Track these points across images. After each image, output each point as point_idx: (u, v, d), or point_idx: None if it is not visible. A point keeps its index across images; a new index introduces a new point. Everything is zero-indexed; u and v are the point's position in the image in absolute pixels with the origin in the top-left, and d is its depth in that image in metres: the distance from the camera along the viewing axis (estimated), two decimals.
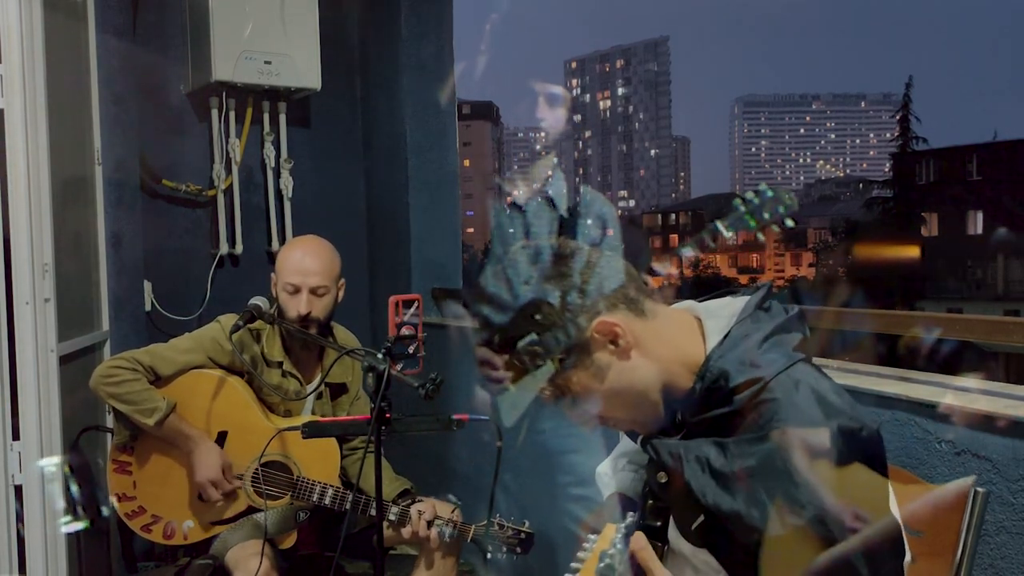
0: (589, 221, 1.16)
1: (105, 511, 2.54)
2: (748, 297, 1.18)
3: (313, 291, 2.25)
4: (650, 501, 1.23)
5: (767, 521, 1.00)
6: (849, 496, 0.98)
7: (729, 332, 1.12)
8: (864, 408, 1.75)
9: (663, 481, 1.16)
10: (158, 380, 2.24)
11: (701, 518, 1.10)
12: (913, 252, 29.45)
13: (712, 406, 1.08)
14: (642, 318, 1.11)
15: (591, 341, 1.08)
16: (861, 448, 1.01)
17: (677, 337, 1.14)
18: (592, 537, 0.96)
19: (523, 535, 2.17)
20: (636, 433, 1.31)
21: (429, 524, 2.22)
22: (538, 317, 1.06)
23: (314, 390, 2.37)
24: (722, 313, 1.16)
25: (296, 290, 2.25)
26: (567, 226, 1.16)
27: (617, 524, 0.94)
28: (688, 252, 1.31)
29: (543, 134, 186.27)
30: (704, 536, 1.11)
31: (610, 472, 1.47)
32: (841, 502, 0.98)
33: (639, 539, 1.03)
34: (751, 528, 1.01)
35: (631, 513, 1.00)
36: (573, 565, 0.92)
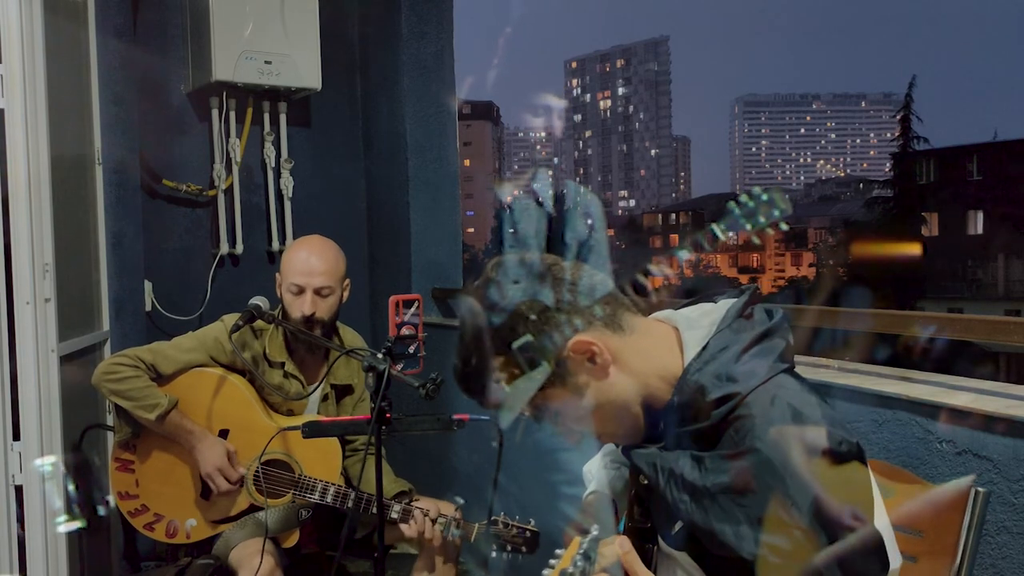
0: (577, 217, 1.16)
1: (106, 510, 2.54)
2: (730, 303, 1.16)
3: (318, 292, 2.25)
4: (635, 505, 1.23)
5: (739, 537, 1.00)
6: (826, 511, 0.97)
7: (708, 343, 1.10)
8: (864, 408, 1.76)
9: (645, 483, 1.16)
10: (159, 378, 2.24)
11: (679, 523, 1.10)
12: (914, 251, 29.41)
13: (689, 420, 1.07)
14: (619, 333, 1.10)
15: (568, 360, 1.08)
16: (838, 465, 1.00)
17: (655, 350, 1.13)
18: (559, 552, 0.97)
19: (528, 534, 2.16)
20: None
21: (433, 521, 2.21)
22: (513, 338, 1.06)
23: (314, 389, 2.37)
24: (701, 323, 1.14)
25: (300, 291, 2.25)
26: (555, 224, 1.17)
27: (580, 540, 0.94)
28: (684, 255, 1.31)
29: (542, 134, 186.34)
30: (683, 541, 1.11)
31: (594, 470, 1.48)
32: (818, 516, 0.97)
33: (624, 543, 1.03)
34: (722, 543, 1.01)
35: (595, 527, 1.00)
36: None
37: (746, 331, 1.11)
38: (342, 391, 2.41)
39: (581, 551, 0.92)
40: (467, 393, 1.13)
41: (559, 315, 1.07)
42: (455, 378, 1.14)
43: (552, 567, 0.93)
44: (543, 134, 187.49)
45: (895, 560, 1.05)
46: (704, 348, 1.10)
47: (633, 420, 1.12)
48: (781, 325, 1.13)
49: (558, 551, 0.97)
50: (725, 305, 1.16)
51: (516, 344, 1.07)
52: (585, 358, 1.08)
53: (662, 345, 1.14)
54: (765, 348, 1.09)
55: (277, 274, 2.33)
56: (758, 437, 1.00)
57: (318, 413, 2.37)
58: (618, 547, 1.03)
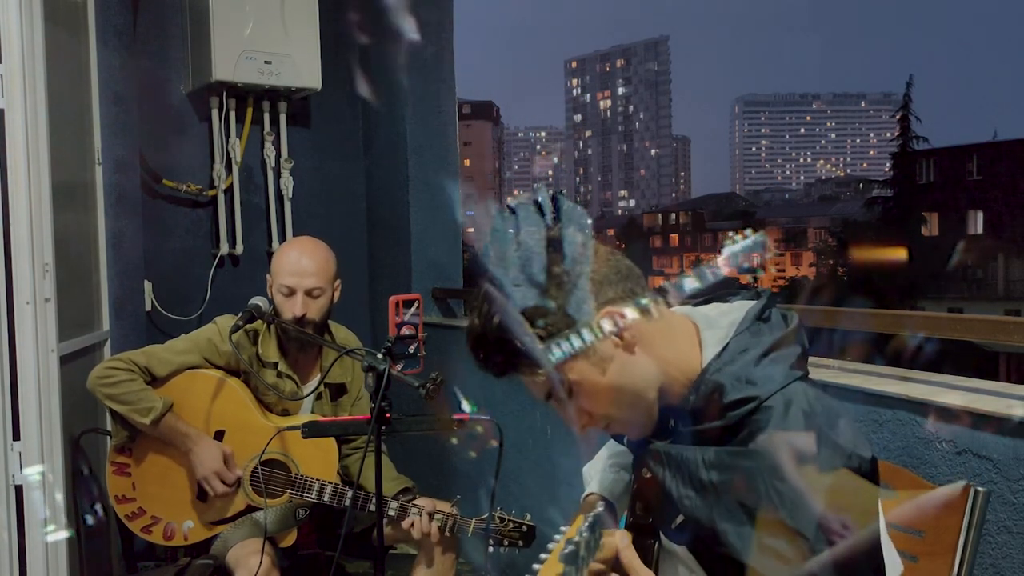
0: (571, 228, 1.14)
1: (102, 514, 2.54)
2: (748, 305, 1.16)
3: (308, 293, 2.25)
4: (638, 501, 1.23)
5: (741, 538, 1.00)
6: (830, 520, 0.97)
7: (727, 344, 1.10)
8: (865, 408, 1.76)
9: (647, 477, 1.16)
10: (154, 381, 2.24)
11: (680, 518, 1.10)
12: (908, 252, 29.41)
13: (704, 419, 1.07)
14: (646, 316, 1.10)
15: (597, 329, 1.06)
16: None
17: (678, 342, 1.13)
18: (564, 529, 0.97)
19: (525, 528, 2.16)
20: (621, 435, 1.30)
21: (429, 517, 2.21)
22: (546, 303, 1.04)
23: (314, 389, 2.37)
24: (720, 322, 1.14)
25: (291, 292, 2.25)
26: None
27: (585, 516, 0.95)
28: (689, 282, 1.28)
29: (542, 134, 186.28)
30: (685, 536, 1.10)
31: (594, 471, 1.48)
32: (821, 525, 0.97)
33: (623, 538, 1.03)
34: (724, 543, 1.01)
35: (601, 502, 1.00)
36: (542, 556, 0.93)
37: (764, 335, 1.11)
38: (336, 390, 2.41)
39: (587, 523, 0.93)
40: (483, 358, 1.08)
41: (593, 284, 1.06)
42: (470, 343, 1.09)
43: (556, 540, 0.94)
44: (543, 134, 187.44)
45: (896, 568, 1.06)
46: (724, 349, 1.10)
47: (647, 408, 1.12)
48: (798, 331, 1.13)
49: (563, 527, 0.98)
50: (743, 307, 1.16)
51: (547, 307, 1.03)
52: (614, 331, 1.07)
53: (683, 338, 1.14)
54: (782, 354, 1.09)
55: (268, 275, 2.34)
56: (770, 441, 1.00)
57: (312, 412, 2.37)
58: (617, 540, 1.03)
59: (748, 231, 1.12)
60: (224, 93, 3.39)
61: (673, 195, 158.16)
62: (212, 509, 2.27)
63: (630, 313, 1.07)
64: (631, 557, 1.02)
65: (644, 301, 1.09)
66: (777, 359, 1.08)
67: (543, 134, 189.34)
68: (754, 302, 1.16)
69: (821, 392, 1.09)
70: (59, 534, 2.20)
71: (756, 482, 0.99)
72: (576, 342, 1.05)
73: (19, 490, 2.16)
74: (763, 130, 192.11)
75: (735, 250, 1.08)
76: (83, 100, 2.70)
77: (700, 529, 1.04)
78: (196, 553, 2.28)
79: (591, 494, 1.43)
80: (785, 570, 0.97)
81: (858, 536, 0.98)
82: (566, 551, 0.88)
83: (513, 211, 1.10)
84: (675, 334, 1.14)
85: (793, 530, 0.96)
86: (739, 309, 1.16)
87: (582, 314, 1.05)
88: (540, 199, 1.09)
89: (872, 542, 1.00)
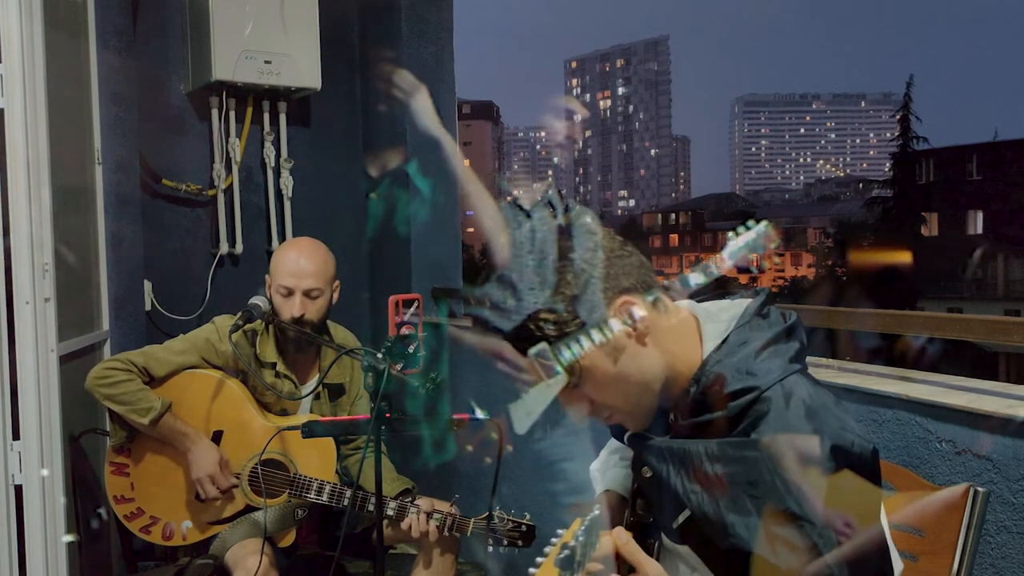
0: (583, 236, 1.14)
1: (104, 512, 2.54)
2: (747, 301, 1.17)
3: (307, 293, 2.25)
4: (638, 499, 1.23)
5: (747, 528, 1.00)
6: (834, 510, 0.98)
7: (727, 338, 1.12)
8: (865, 407, 1.76)
9: (647, 476, 1.16)
10: (152, 381, 2.24)
11: (683, 516, 1.10)
12: (908, 253, 29.39)
13: (704, 410, 1.08)
14: (657, 309, 1.11)
15: (613, 318, 1.07)
16: (850, 465, 1.00)
17: (682, 335, 1.14)
18: (560, 532, 0.97)
19: (524, 527, 2.17)
20: (621, 431, 1.31)
21: (428, 516, 2.21)
22: (562, 290, 1.04)
23: (315, 389, 2.37)
24: (721, 317, 1.15)
25: (290, 292, 2.25)
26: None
27: (582, 518, 0.95)
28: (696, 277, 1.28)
29: (543, 133, 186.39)
30: (686, 534, 1.11)
31: (602, 470, 1.47)
32: (826, 515, 0.97)
33: (621, 534, 1.03)
34: (732, 535, 1.01)
35: (596, 506, 1.01)
36: (538, 560, 0.93)
37: (763, 329, 1.12)
38: (334, 390, 2.41)
39: (583, 527, 0.93)
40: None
41: (611, 273, 1.07)
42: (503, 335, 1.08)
43: (553, 543, 0.94)
44: (543, 134, 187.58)
45: (896, 567, 1.06)
46: (724, 342, 1.11)
47: (651, 400, 1.13)
48: (797, 327, 1.15)
49: (559, 531, 0.98)
50: (742, 303, 1.17)
51: (569, 295, 1.04)
52: (628, 321, 1.07)
53: (687, 332, 1.15)
54: (782, 348, 1.10)
55: (267, 275, 2.34)
56: (772, 431, 1.01)
57: (311, 412, 2.37)
58: (614, 538, 1.03)
59: (751, 222, 1.12)
60: (224, 93, 3.39)
61: (673, 195, 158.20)
62: (211, 509, 2.27)
63: (646, 304, 1.08)
64: (633, 551, 1.02)
65: (657, 293, 1.10)
66: (776, 352, 1.09)
67: (543, 134, 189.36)
68: (752, 299, 1.18)
69: (819, 386, 1.09)
70: (59, 534, 2.20)
71: (761, 472, 1.00)
72: (597, 331, 1.05)
73: (19, 490, 2.16)
74: (763, 130, 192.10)
75: (741, 243, 1.09)
76: (83, 100, 2.69)
77: (707, 523, 1.04)
78: (195, 553, 2.28)
79: (606, 491, 1.43)
80: (793, 558, 0.97)
81: (870, 532, 0.99)
82: (561, 556, 0.88)
83: (518, 203, 1.10)
84: (680, 328, 1.15)
85: (800, 518, 0.97)
86: (739, 305, 1.17)
87: (604, 302, 1.06)
88: (550, 197, 1.09)
89: (883, 538, 1.01)
